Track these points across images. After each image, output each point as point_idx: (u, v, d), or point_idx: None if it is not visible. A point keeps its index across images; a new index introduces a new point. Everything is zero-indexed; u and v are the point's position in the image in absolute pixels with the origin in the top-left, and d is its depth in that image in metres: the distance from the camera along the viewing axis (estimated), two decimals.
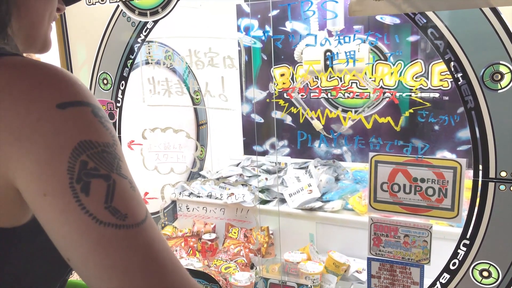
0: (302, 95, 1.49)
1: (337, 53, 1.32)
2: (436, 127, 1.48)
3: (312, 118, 1.34)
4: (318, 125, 1.37)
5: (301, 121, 1.29)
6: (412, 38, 1.91)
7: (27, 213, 0.56)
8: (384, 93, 1.69)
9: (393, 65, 1.73)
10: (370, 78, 1.74)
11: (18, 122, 0.50)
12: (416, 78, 1.72)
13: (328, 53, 1.35)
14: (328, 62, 1.35)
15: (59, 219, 0.51)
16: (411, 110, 1.22)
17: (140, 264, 0.51)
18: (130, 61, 1.54)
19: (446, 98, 1.84)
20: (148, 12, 1.45)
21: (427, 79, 1.85)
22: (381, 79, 1.84)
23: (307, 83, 1.83)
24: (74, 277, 0.85)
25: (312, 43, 1.36)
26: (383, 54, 1.96)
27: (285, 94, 1.38)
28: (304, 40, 1.40)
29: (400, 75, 1.65)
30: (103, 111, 0.56)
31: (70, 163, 0.50)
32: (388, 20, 1.90)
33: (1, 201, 0.52)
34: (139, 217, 0.53)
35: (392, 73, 1.74)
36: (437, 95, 1.88)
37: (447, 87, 1.79)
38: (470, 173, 1.12)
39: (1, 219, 0.53)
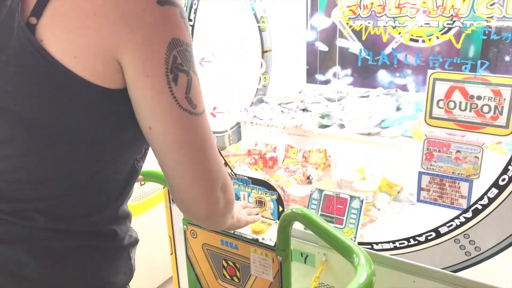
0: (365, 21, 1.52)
1: None
2: (499, 46, 1.45)
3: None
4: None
5: (363, 38, 1.33)
6: None
7: (124, 81, 0.68)
8: (453, 22, 1.66)
9: None
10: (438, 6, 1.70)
11: (128, 8, 0.61)
12: (491, 5, 1.66)
13: None
14: None
15: (155, 97, 0.65)
16: (473, 27, 1.23)
17: (200, 140, 0.70)
18: None
19: None
20: None
21: (502, 6, 1.78)
22: (452, 6, 1.79)
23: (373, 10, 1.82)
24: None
25: None
26: None
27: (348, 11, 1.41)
28: None
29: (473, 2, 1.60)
30: (186, 13, 0.69)
31: (166, 55, 0.63)
32: None
33: (111, 66, 0.64)
34: (202, 108, 0.70)
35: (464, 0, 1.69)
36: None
37: None
38: None
39: (108, 82, 0.65)
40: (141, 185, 2.24)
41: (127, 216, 0.84)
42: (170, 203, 1.82)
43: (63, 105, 0.65)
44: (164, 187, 1.93)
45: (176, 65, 0.64)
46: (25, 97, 0.64)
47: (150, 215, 2.31)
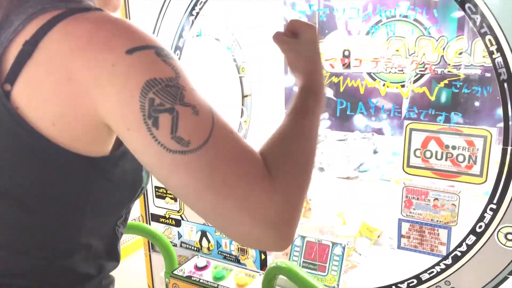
0: (344, 65, 1.58)
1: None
2: (470, 98, 1.53)
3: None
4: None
5: (341, 90, 1.39)
6: (456, 14, 1.93)
7: (109, 146, 0.67)
8: (425, 69, 1.75)
9: (436, 40, 1.78)
10: (411, 54, 1.79)
11: (99, 68, 0.58)
12: (459, 54, 1.76)
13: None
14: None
15: (141, 150, 0.60)
16: (446, 81, 1.29)
17: (205, 182, 0.58)
18: (184, 32, 1.68)
19: (488, 75, 1.87)
20: None
21: (470, 55, 1.88)
22: (424, 54, 1.89)
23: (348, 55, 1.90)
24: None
25: (354, 16, 1.44)
26: (425, 29, 1.99)
27: (327, 64, 1.48)
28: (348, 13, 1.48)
29: (443, 51, 1.70)
30: (167, 50, 0.62)
31: (141, 102, 0.57)
32: None
33: (90, 131, 0.62)
34: (201, 138, 0.58)
35: (435, 48, 1.78)
36: (479, 71, 1.91)
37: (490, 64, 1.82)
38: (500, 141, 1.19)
39: (88, 149, 0.63)
40: None
41: (110, 284, 0.82)
42: (149, 251, 1.79)
43: (42, 174, 0.63)
44: None
45: (154, 107, 0.58)
46: (1, 166, 0.63)
47: (128, 263, 2.25)
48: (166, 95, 0.59)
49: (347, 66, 1.40)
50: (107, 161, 0.66)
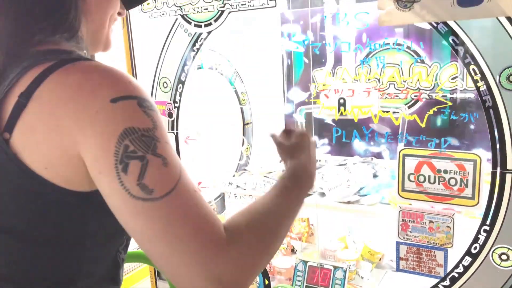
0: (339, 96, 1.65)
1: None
2: (458, 124, 1.59)
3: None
4: None
5: (336, 118, 1.45)
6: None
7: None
8: (421, 94, 1.81)
9: (429, 67, 1.85)
10: (405, 80, 1.87)
11: (83, 114, 0.63)
12: (453, 79, 1.83)
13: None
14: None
15: (108, 193, 0.64)
16: (434, 109, 1.35)
17: (160, 232, 0.61)
18: (187, 67, 1.76)
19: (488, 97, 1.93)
20: (202, 24, 1.66)
21: (462, 80, 1.95)
22: (418, 80, 1.96)
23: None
24: None
25: (346, 50, 1.52)
26: (418, 56, 2.07)
27: (321, 95, 1.55)
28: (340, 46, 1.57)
29: (436, 77, 1.77)
30: (149, 101, 0.67)
31: (116, 147, 0.62)
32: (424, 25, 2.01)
33: (78, 172, 0.67)
34: (165, 190, 0.61)
35: (428, 75, 1.86)
36: (472, 95, 1.97)
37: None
38: (489, 165, 1.24)
39: (79, 185, 0.68)
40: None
41: None
42: (156, 279, 1.82)
43: (42, 211, 0.69)
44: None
45: (128, 153, 0.62)
46: (4, 206, 0.69)
47: None
48: (141, 143, 0.63)
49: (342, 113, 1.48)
50: (98, 194, 0.70)
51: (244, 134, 2.57)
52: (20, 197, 0.68)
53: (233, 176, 2.42)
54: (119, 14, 0.90)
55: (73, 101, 0.65)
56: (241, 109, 2.49)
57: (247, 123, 2.61)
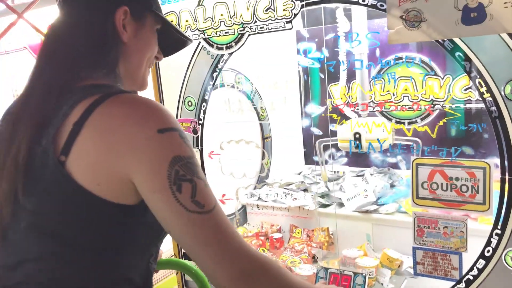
0: (353, 110, 1.74)
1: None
2: (467, 133, 1.66)
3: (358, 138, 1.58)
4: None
5: (352, 131, 1.54)
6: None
7: (140, 196, 0.83)
8: (434, 105, 1.89)
9: (442, 79, 1.93)
10: (419, 93, 1.94)
11: (134, 140, 0.77)
12: (465, 90, 1.90)
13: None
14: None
15: (164, 208, 0.78)
16: (444, 120, 1.44)
17: (214, 236, 0.78)
18: (210, 86, 1.88)
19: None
20: (224, 46, 1.78)
21: (475, 90, 2.01)
22: (431, 91, 2.03)
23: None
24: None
25: (359, 67, 1.61)
26: (431, 69, 2.15)
27: (338, 128, 1.66)
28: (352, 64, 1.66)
29: (449, 88, 1.84)
30: (185, 132, 0.84)
31: (168, 171, 0.77)
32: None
33: (125, 188, 0.80)
34: (211, 205, 0.79)
35: (441, 87, 1.93)
36: (482, 105, 2.04)
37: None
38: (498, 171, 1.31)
39: (125, 200, 0.81)
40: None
41: None
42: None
43: (92, 222, 0.81)
44: (177, 272, 2.03)
45: (179, 177, 0.77)
46: (60, 218, 0.81)
47: None
48: (187, 169, 0.78)
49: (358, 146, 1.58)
50: (139, 207, 0.83)
51: (264, 148, 2.68)
52: (70, 207, 0.80)
53: (254, 188, 2.52)
54: (156, 58, 1.03)
55: (122, 129, 0.78)
56: (260, 124, 2.59)
57: (266, 137, 2.71)
